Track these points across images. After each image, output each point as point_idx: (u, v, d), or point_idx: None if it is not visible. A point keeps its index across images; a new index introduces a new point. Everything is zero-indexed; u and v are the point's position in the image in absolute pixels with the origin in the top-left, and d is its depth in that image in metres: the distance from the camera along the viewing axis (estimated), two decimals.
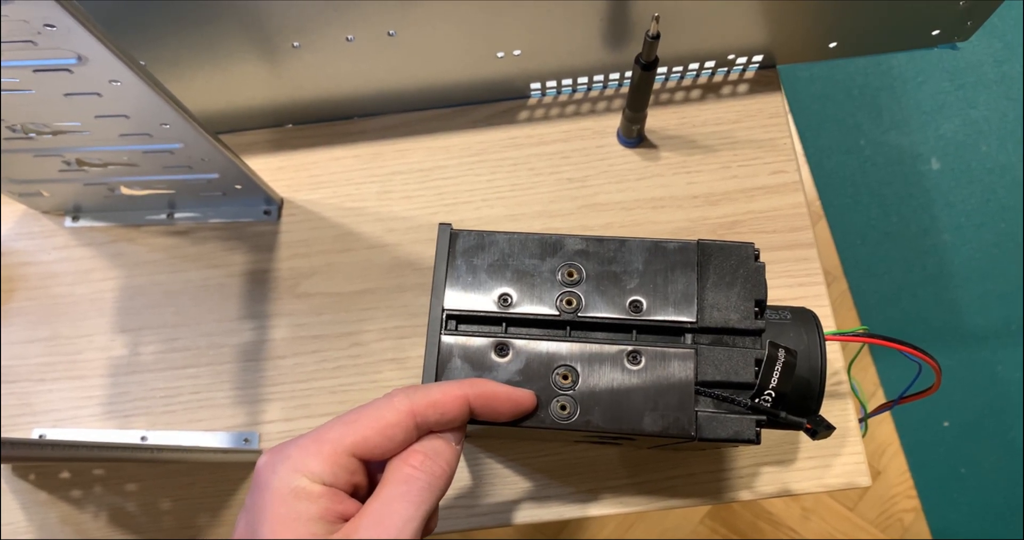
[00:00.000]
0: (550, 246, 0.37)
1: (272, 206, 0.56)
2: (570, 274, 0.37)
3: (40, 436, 0.53)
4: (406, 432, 0.32)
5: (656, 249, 0.37)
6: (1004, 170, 1.40)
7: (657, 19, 0.42)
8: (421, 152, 0.57)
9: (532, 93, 0.57)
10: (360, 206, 0.57)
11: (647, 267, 0.37)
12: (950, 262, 1.36)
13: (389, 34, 0.48)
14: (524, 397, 0.35)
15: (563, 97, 0.58)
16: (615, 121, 0.57)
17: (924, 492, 1.21)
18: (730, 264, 0.37)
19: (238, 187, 0.52)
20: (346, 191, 0.57)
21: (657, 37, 0.43)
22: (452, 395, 0.33)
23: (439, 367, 0.36)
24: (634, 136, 0.55)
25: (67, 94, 0.40)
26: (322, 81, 0.53)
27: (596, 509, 0.49)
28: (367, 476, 0.33)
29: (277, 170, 0.57)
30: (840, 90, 1.45)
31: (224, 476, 0.52)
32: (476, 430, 0.41)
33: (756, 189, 0.55)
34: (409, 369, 0.53)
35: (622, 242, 0.37)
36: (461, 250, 0.38)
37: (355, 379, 0.53)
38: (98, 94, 0.40)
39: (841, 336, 0.43)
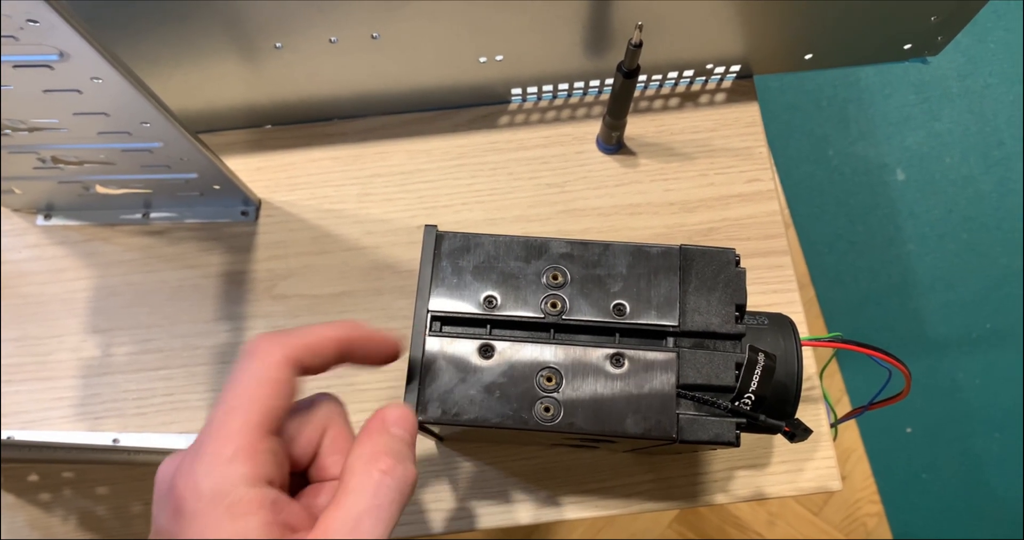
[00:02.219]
0: (535, 249, 0.38)
1: (250, 207, 0.56)
2: (555, 277, 0.37)
3: (8, 438, 0.52)
4: (292, 385, 0.29)
5: (639, 253, 0.37)
6: (966, 182, 1.44)
7: (640, 28, 0.43)
8: (401, 155, 0.57)
9: (513, 98, 0.58)
10: (339, 208, 0.56)
11: (631, 271, 0.37)
12: (914, 271, 1.39)
13: (373, 37, 0.48)
14: (393, 339, 0.33)
15: (544, 103, 0.58)
16: (595, 127, 0.57)
17: (887, 496, 1.23)
18: (712, 269, 0.37)
19: (216, 187, 0.52)
20: (325, 193, 0.57)
21: (639, 45, 0.44)
22: (325, 337, 0.31)
23: (424, 368, 0.36)
24: (613, 143, 0.55)
25: (46, 90, 0.39)
26: (303, 82, 0.53)
27: (572, 512, 0.49)
28: (287, 455, 0.30)
29: (256, 171, 0.57)
30: (809, 101, 1.48)
31: None
32: (457, 432, 0.41)
33: (732, 197, 0.56)
34: (386, 372, 0.53)
35: (606, 246, 0.37)
36: (446, 252, 0.38)
37: (330, 382, 0.53)
38: (78, 91, 0.39)
39: (816, 341, 0.43)
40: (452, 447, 0.51)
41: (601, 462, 0.50)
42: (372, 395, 0.52)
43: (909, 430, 1.27)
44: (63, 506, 0.51)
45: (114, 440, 0.52)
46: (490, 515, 0.49)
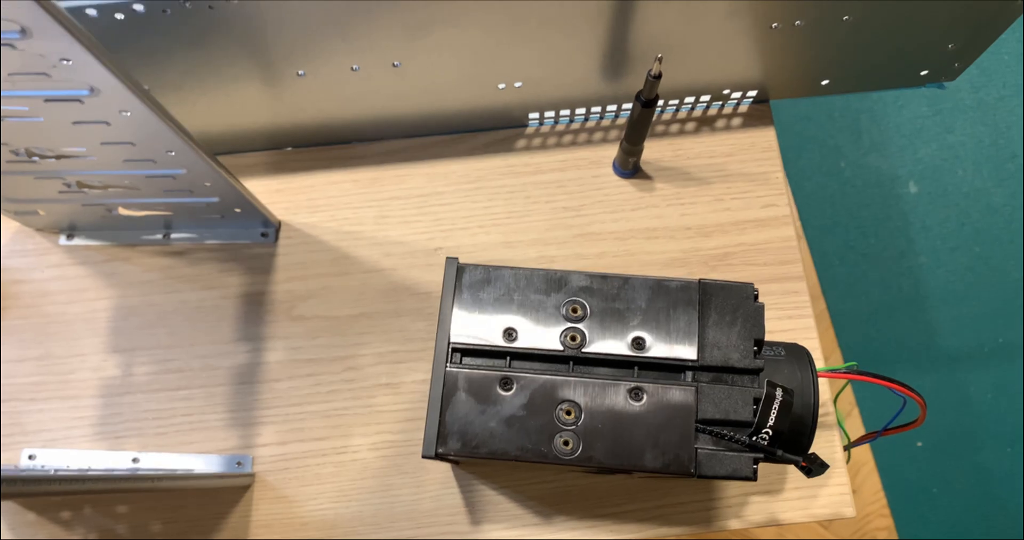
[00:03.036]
0: (555, 282, 0.38)
1: (270, 228, 0.57)
2: (574, 310, 0.37)
3: (30, 457, 0.53)
4: None
5: (659, 287, 0.38)
6: (979, 194, 1.43)
7: (660, 60, 0.43)
8: (419, 178, 0.58)
9: (530, 122, 0.58)
10: (358, 230, 0.57)
11: (650, 305, 0.37)
12: (925, 284, 1.38)
13: (394, 65, 0.49)
14: None
15: (560, 127, 0.59)
16: (611, 151, 0.58)
17: (897, 511, 1.23)
18: (731, 304, 0.38)
19: (237, 210, 0.53)
20: (344, 215, 0.57)
21: (659, 77, 0.44)
22: None
23: (444, 399, 0.36)
24: (630, 167, 0.56)
25: (75, 122, 0.40)
26: (324, 107, 0.53)
27: (587, 536, 0.50)
28: None
29: (275, 192, 0.58)
30: (822, 112, 1.48)
31: (215, 498, 0.52)
32: (471, 460, 0.41)
33: (747, 222, 0.56)
34: (403, 394, 0.53)
35: (625, 280, 0.38)
36: (468, 283, 0.38)
37: (349, 404, 0.53)
38: (106, 123, 0.40)
39: (832, 373, 0.44)
40: (468, 470, 0.52)
41: (616, 487, 0.50)
42: (390, 417, 0.53)
43: (920, 444, 1.27)
44: (83, 524, 0.52)
45: (134, 459, 0.53)
46: (505, 538, 0.50)
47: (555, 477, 0.51)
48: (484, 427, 0.36)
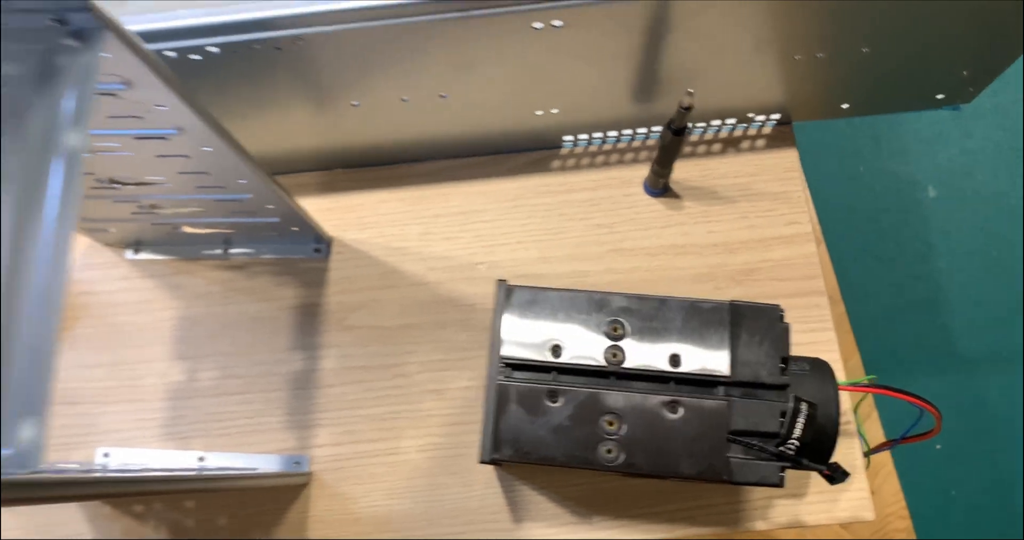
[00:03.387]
0: (597, 303, 0.42)
1: (322, 244, 0.60)
2: (615, 329, 0.41)
3: (105, 454, 0.57)
4: None
5: (693, 308, 0.41)
6: (997, 198, 1.45)
7: (691, 94, 0.46)
8: (461, 197, 0.62)
9: (564, 143, 0.62)
10: (404, 246, 0.61)
11: (685, 324, 0.41)
12: (944, 288, 1.41)
13: (441, 96, 0.52)
14: None
15: (593, 148, 0.62)
16: (641, 171, 0.61)
17: (916, 512, 1.25)
18: (759, 324, 0.41)
19: (294, 229, 0.57)
20: (391, 232, 0.61)
21: (689, 109, 0.48)
22: None
23: (498, 410, 0.40)
24: (660, 187, 0.59)
25: (159, 156, 0.44)
26: (374, 132, 0.57)
27: (620, 536, 0.53)
28: None
29: (326, 211, 0.62)
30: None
31: (275, 496, 0.56)
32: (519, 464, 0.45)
33: (772, 239, 0.59)
34: (449, 400, 0.57)
35: (662, 301, 0.41)
36: (517, 303, 0.42)
37: (399, 408, 0.57)
38: (187, 156, 0.44)
39: (854, 386, 0.47)
40: (510, 472, 0.55)
41: (648, 489, 0.54)
42: (437, 421, 0.57)
43: (939, 447, 1.29)
44: (154, 518, 0.56)
45: (200, 458, 0.57)
46: (545, 536, 0.53)
47: (590, 479, 0.55)
48: (534, 435, 0.40)
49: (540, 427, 0.40)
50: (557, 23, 0.45)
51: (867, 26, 0.48)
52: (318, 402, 0.58)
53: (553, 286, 0.42)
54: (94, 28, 0.30)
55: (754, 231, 0.59)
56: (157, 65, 0.34)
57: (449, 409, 0.57)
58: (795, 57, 0.52)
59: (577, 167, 0.62)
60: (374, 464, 0.56)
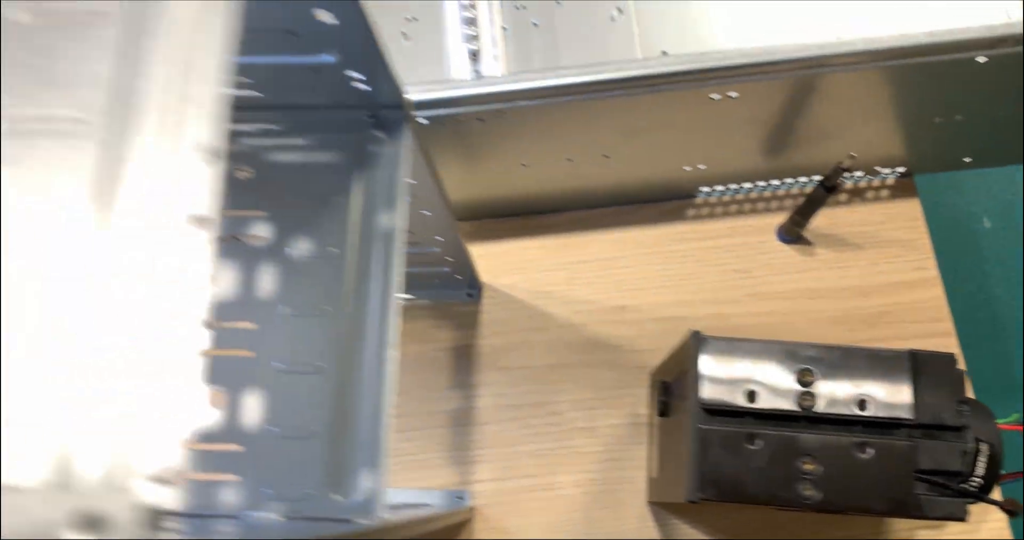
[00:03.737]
0: (787, 352, 0.45)
1: (474, 289, 0.65)
2: (805, 375, 0.45)
3: None
4: None
5: (875, 356, 0.45)
6: None
7: (853, 157, 0.51)
8: (601, 244, 0.66)
9: (700, 194, 0.66)
10: (550, 290, 0.65)
11: (869, 371, 0.45)
12: (1002, 317, 1.43)
13: (604, 156, 0.57)
14: None
15: (726, 197, 0.66)
16: (772, 219, 0.65)
17: None
18: (937, 370, 0.45)
19: (459, 277, 0.61)
20: (537, 277, 0.65)
21: (848, 170, 0.52)
22: None
23: (700, 453, 0.44)
24: (794, 235, 0.63)
25: None
26: (532, 187, 0.62)
27: None
28: None
29: (477, 258, 0.65)
30: None
31: (441, 529, 0.59)
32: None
33: (900, 284, 0.63)
34: (600, 437, 0.61)
35: (847, 350, 0.45)
36: (711, 352, 0.46)
37: (553, 445, 0.61)
38: None
39: (1007, 425, 0.50)
40: (661, 505, 0.59)
41: (796, 522, 0.57)
42: (589, 457, 0.60)
43: None
44: None
45: None
46: None
47: (736, 512, 0.58)
48: (735, 476, 0.43)
49: (741, 468, 0.43)
50: (733, 94, 0.49)
51: (1013, 91, 0.52)
52: (476, 439, 0.61)
53: (742, 336, 0.46)
54: (400, 120, 0.35)
55: (884, 276, 0.63)
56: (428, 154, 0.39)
57: (600, 446, 0.61)
58: (935, 120, 0.56)
59: (711, 215, 0.66)
60: (532, 499, 0.60)
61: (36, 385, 0.16)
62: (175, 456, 0.16)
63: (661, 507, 0.59)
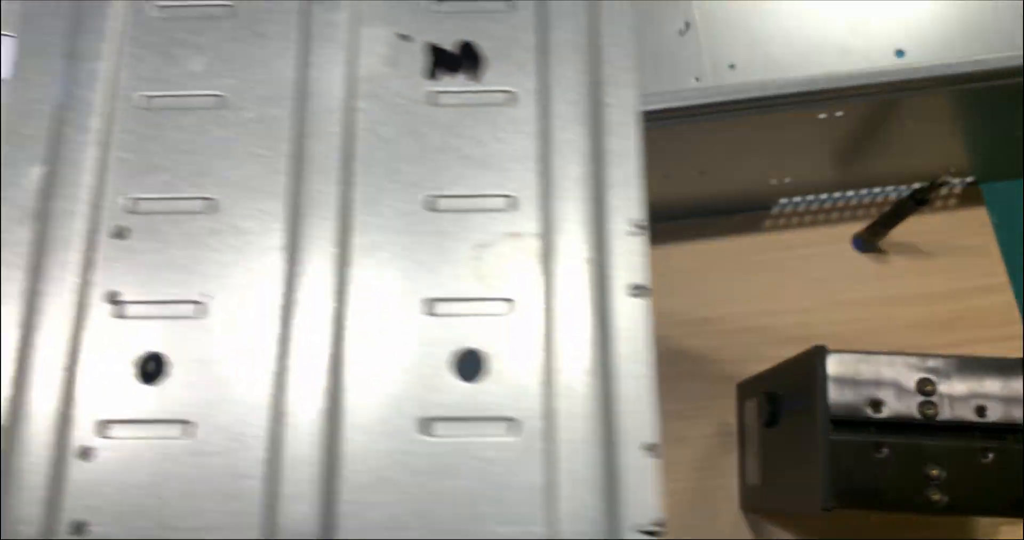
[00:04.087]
0: (907, 363, 0.47)
1: None
2: (925, 385, 0.47)
3: None
4: None
5: (991, 363, 0.47)
6: None
7: (952, 174, 0.53)
8: (682, 255, 0.67)
9: (778, 205, 0.68)
10: None
11: (984, 378, 0.47)
12: None
13: (700, 172, 0.58)
14: None
15: (802, 208, 0.68)
16: (848, 228, 0.67)
17: None
18: None
19: None
20: None
21: (943, 185, 0.54)
22: None
23: (831, 462, 0.46)
24: (872, 245, 0.65)
25: None
26: None
27: None
28: None
29: None
30: None
31: None
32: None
33: (972, 289, 0.65)
34: (692, 447, 0.62)
35: (962, 359, 0.47)
36: (835, 366, 0.47)
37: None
38: None
39: None
40: (754, 509, 0.61)
41: (883, 524, 0.59)
42: (683, 467, 0.62)
43: None
44: None
45: None
46: None
47: (828, 516, 0.60)
48: (866, 485, 0.45)
49: (870, 476, 0.45)
50: (839, 114, 0.51)
51: None
52: None
53: (866, 350, 0.48)
54: None
55: (955, 282, 0.66)
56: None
57: (692, 456, 0.62)
58: (1016, 134, 0.58)
59: (787, 226, 0.68)
60: None
61: None
62: None
63: (756, 513, 0.61)
